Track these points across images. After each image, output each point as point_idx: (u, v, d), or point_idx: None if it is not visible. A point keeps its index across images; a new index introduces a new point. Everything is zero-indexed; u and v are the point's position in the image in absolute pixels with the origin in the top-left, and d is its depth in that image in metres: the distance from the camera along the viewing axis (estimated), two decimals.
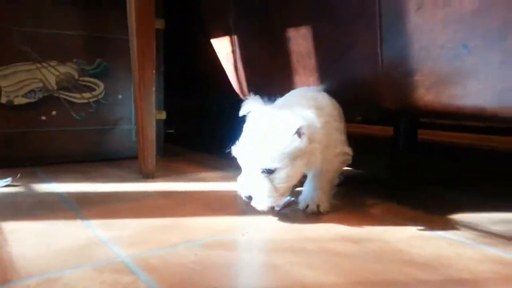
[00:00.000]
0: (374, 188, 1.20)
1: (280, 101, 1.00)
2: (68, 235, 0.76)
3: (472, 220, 0.90)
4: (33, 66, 1.32)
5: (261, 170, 0.83)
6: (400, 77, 0.92)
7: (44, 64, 1.34)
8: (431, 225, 0.86)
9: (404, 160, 1.68)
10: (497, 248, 0.74)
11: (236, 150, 0.86)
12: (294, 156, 0.82)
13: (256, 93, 1.40)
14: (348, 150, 0.97)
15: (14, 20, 1.28)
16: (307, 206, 0.93)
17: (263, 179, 0.83)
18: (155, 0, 1.24)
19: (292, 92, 1.06)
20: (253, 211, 0.87)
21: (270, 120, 0.83)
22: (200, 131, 2.19)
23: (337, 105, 1.04)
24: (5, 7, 1.27)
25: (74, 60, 1.39)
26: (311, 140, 0.84)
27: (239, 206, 0.96)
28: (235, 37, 1.38)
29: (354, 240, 0.77)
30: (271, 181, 0.83)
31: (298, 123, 0.81)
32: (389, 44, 0.93)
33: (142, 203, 0.98)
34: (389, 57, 0.94)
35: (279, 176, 0.83)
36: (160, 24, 1.52)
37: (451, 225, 0.87)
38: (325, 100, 1.01)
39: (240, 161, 0.87)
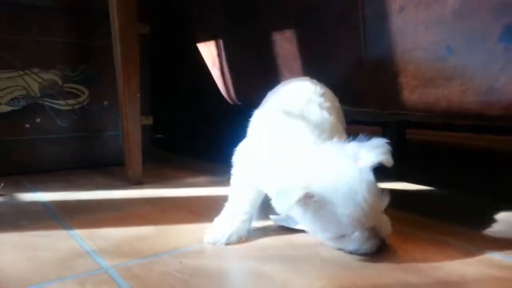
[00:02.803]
0: None
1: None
2: (51, 246, 0.75)
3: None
4: (16, 74, 1.30)
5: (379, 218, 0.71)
6: (385, 79, 0.92)
7: (27, 71, 1.32)
8: (418, 227, 0.86)
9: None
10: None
11: (354, 212, 0.66)
12: None
13: (242, 97, 1.40)
14: None
15: None
16: None
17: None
18: (138, 6, 1.24)
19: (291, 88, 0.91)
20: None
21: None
22: (190, 135, 2.17)
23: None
24: None
25: (58, 66, 1.38)
26: None
27: None
28: (220, 41, 1.38)
29: None
30: None
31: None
32: (373, 47, 0.93)
33: (127, 211, 0.97)
34: (373, 60, 0.94)
35: None
36: (145, 29, 1.51)
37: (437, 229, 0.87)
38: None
39: (359, 225, 0.67)
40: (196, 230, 0.84)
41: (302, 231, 0.80)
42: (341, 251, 0.72)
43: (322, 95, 0.84)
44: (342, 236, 0.70)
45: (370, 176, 0.68)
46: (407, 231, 0.83)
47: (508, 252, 0.73)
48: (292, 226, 0.83)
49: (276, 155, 0.74)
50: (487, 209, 0.99)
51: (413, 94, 0.89)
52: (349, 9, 0.95)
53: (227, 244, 0.76)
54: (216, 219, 0.81)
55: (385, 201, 0.69)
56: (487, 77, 0.77)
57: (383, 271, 0.65)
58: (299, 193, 0.64)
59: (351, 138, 0.76)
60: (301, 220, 0.74)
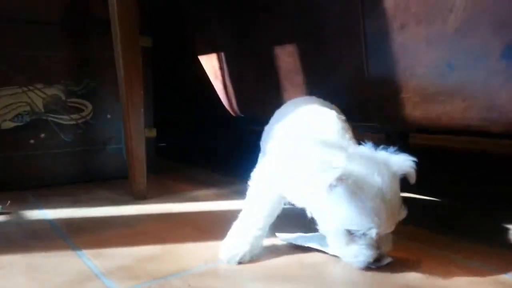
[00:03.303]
0: None
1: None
2: (60, 269, 0.75)
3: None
4: (19, 90, 1.31)
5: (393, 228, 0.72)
6: (387, 95, 0.93)
7: (31, 87, 1.33)
8: (423, 241, 0.86)
9: None
10: None
11: (378, 208, 0.69)
12: None
13: (244, 109, 1.41)
14: None
15: None
16: None
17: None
18: (140, 19, 1.24)
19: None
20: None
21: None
22: (192, 144, 2.18)
23: None
24: None
25: (61, 81, 1.38)
26: None
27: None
28: (222, 54, 1.39)
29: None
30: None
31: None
32: (375, 63, 0.94)
33: (133, 228, 0.98)
34: (374, 75, 0.95)
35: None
36: (147, 42, 1.52)
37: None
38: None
39: (378, 223, 0.69)
40: (203, 248, 0.84)
41: (309, 249, 0.81)
42: (348, 270, 0.73)
43: (338, 115, 0.88)
44: (351, 235, 0.71)
45: (398, 184, 0.72)
46: (415, 246, 0.84)
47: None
48: (299, 244, 0.84)
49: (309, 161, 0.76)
50: (490, 221, 1.00)
51: (415, 110, 0.89)
52: (351, 25, 0.96)
53: (239, 263, 0.77)
54: (230, 234, 0.81)
55: (403, 214, 0.71)
56: (489, 94, 0.77)
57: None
58: (338, 171, 0.68)
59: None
60: (320, 206, 0.74)
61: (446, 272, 0.73)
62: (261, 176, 0.84)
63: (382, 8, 0.89)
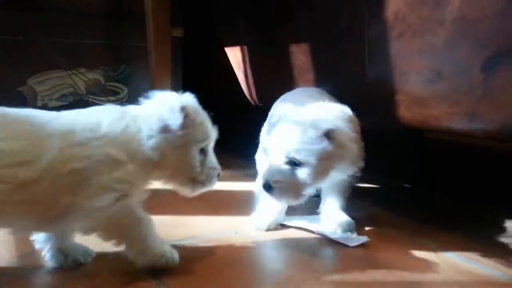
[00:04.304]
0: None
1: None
2: None
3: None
4: (64, 73, 1.49)
5: (286, 160, 0.84)
6: (385, 95, 1.02)
7: (74, 71, 1.50)
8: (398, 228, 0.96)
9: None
10: None
11: (267, 140, 0.89)
12: (321, 157, 0.83)
13: (262, 100, 1.52)
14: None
15: (47, 33, 1.44)
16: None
17: (287, 171, 0.84)
18: (174, 11, 1.37)
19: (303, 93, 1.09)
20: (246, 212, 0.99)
21: (303, 117, 0.86)
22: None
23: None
24: (39, 22, 1.43)
25: (101, 67, 1.55)
26: (341, 146, 0.85)
27: (240, 207, 1.09)
28: (245, 47, 1.50)
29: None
30: (294, 175, 0.84)
31: (328, 126, 0.83)
32: (375, 66, 1.03)
33: (152, 199, 1.12)
34: (374, 78, 1.03)
35: (303, 171, 0.83)
36: (179, 32, 1.66)
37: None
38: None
39: (268, 149, 0.89)
40: (214, 221, 0.99)
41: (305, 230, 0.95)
42: (332, 249, 0.85)
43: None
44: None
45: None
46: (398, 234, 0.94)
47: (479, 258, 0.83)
48: (292, 225, 0.97)
49: None
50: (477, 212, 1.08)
51: (407, 112, 0.98)
52: (357, 31, 1.05)
53: (267, 230, 0.94)
54: (257, 209, 0.96)
55: None
56: (471, 103, 0.85)
57: (353, 265, 0.77)
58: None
59: None
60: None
61: (414, 257, 0.83)
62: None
63: (384, 17, 0.97)
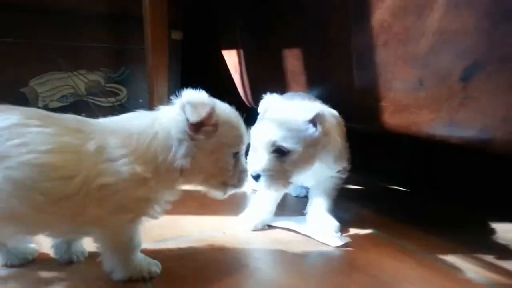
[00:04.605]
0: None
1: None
2: None
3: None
4: (65, 75, 1.53)
5: (274, 149, 0.86)
6: (371, 101, 1.05)
7: (75, 73, 1.55)
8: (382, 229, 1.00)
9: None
10: None
11: (253, 128, 0.89)
12: (308, 144, 0.86)
13: (257, 102, 1.56)
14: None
15: (48, 35, 1.49)
16: None
17: (274, 159, 0.87)
18: (173, 15, 1.41)
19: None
20: (233, 212, 1.03)
21: (289, 107, 0.90)
22: None
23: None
24: (42, 25, 1.47)
25: (101, 68, 1.59)
26: (326, 133, 0.89)
27: (230, 207, 1.13)
28: (241, 51, 1.54)
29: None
30: (282, 163, 0.87)
31: (314, 112, 0.86)
32: (362, 73, 1.06)
33: None
34: (361, 84, 1.07)
35: (291, 159, 0.86)
36: (178, 35, 1.70)
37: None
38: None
39: (254, 139, 0.89)
40: (203, 221, 1.02)
41: (291, 231, 0.99)
42: (316, 250, 0.89)
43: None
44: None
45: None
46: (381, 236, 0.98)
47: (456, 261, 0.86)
48: (279, 226, 1.01)
49: None
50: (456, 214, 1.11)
51: (391, 118, 1.01)
52: (344, 38, 1.08)
53: (254, 230, 0.98)
54: (247, 210, 1.01)
55: None
56: (450, 110, 0.89)
57: (333, 265, 0.81)
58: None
59: None
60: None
61: (389, 255, 0.87)
62: None
63: (369, 25, 1.01)
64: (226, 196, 0.78)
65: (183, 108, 0.69)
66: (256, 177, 0.87)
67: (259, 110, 1.00)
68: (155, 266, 0.75)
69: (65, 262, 0.77)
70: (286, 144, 0.85)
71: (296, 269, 0.80)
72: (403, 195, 1.39)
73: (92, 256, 0.77)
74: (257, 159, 0.88)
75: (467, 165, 1.36)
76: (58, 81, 1.52)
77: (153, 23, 1.38)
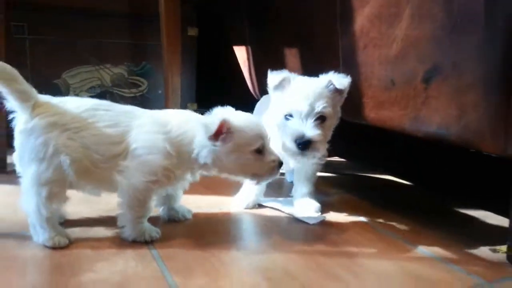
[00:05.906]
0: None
1: None
2: None
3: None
4: (93, 68, 1.72)
5: (317, 117, 0.95)
6: (354, 98, 1.17)
7: (101, 66, 1.73)
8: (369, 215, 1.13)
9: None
10: None
11: (291, 100, 0.96)
12: (334, 106, 1.01)
13: (263, 94, 1.70)
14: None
15: (78, 33, 1.68)
16: None
17: (318, 126, 0.94)
18: (189, 13, 1.54)
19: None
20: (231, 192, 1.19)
21: (313, 79, 1.02)
22: None
23: None
24: (72, 24, 1.67)
25: (125, 62, 1.77)
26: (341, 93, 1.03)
27: (227, 188, 1.28)
28: (249, 48, 1.68)
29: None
30: (322, 129, 0.94)
31: (330, 75, 1.00)
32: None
33: None
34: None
35: (329, 124, 0.96)
36: (194, 32, 1.85)
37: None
38: None
39: (294, 109, 0.95)
40: (203, 199, 1.18)
41: (277, 210, 1.14)
42: (295, 226, 1.03)
43: None
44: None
45: None
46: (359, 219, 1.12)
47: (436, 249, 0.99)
48: (267, 205, 1.16)
49: None
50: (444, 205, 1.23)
51: (371, 113, 1.14)
52: (332, 40, 1.20)
53: (246, 208, 1.14)
54: (241, 191, 1.16)
55: None
56: (415, 108, 1.00)
57: (306, 238, 0.95)
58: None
59: None
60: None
61: (363, 237, 1.00)
62: None
63: (352, 30, 1.13)
64: (260, 184, 1.00)
65: (201, 127, 0.87)
66: (305, 144, 0.92)
67: (272, 83, 1.07)
68: (155, 232, 0.92)
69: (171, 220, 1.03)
70: (327, 110, 0.95)
71: (274, 239, 0.95)
72: (397, 186, 1.50)
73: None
74: (297, 128, 0.93)
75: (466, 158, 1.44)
76: (86, 73, 1.71)
77: (168, 22, 1.53)
